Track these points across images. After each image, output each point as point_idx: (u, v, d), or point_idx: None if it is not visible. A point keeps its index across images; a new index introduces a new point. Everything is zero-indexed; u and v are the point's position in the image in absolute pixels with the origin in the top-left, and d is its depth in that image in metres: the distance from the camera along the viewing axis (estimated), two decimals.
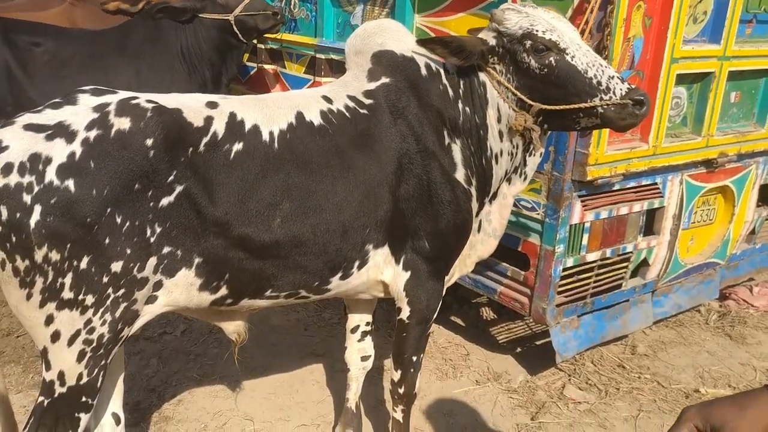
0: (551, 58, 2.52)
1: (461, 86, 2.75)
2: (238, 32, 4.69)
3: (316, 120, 2.55)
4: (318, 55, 4.79)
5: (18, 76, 4.33)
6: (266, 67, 5.34)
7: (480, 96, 2.74)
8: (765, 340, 4.72)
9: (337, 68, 4.73)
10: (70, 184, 2.05)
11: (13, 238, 2.05)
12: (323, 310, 4.70)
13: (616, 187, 3.71)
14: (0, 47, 4.28)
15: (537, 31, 2.53)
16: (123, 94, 2.29)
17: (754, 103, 4.38)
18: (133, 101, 2.24)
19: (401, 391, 2.97)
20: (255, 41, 5.12)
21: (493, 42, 2.64)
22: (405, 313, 2.84)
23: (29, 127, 2.11)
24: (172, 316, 4.34)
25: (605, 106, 2.49)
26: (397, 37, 2.84)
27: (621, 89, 2.49)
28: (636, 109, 2.49)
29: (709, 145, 4.02)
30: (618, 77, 2.52)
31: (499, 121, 2.74)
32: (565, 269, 3.67)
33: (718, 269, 4.68)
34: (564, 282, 3.72)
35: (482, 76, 2.72)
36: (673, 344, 4.57)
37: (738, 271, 4.95)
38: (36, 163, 2.05)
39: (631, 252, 3.96)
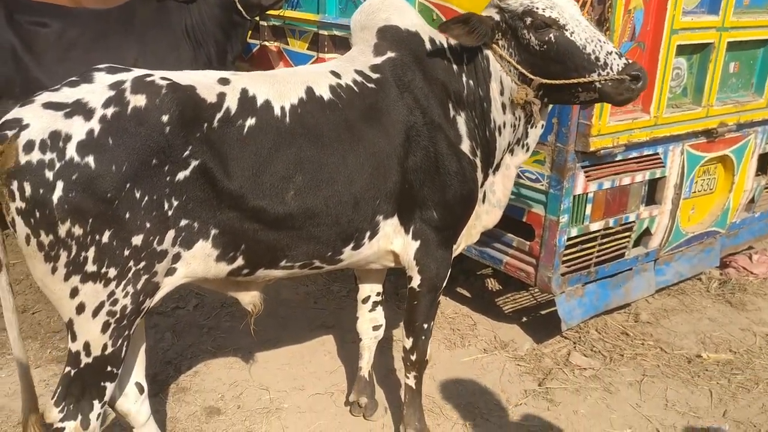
0: (551, 35, 2.58)
1: (465, 60, 2.82)
2: (241, 9, 4.71)
3: (326, 95, 2.61)
4: (321, 32, 4.82)
5: (24, 57, 4.36)
6: (269, 44, 5.38)
7: (483, 69, 2.80)
8: (764, 306, 4.81)
9: (341, 44, 4.77)
10: (90, 160, 2.12)
11: (37, 214, 2.11)
12: (332, 283, 4.79)
13: (619, 157, 3.77)
14: (5, 28, 4.31)
15: (537, 8, 2.59)
16: (138, 72, 2.34)
17: (752, 73, 4.42)
18: (148, 78, 2.30)
19: (413, 358, 3.06)
20: (258, 18, 5.14)
21: (497, 18, 2.69)
22: (416, 281, 2.92)
23: (48, 105, 2.17)
24: (184, 291, 4.43)
25: (603, 82, 2.55)
26: (401, 12, 2.89)
27: (618, 64, 2.54)
28: (633, 84, 2.54)
29: (709, 115, 4.07)
30: (616, 52, 2.57)
31: (501, 93, 2.80)
32: (569, 239, 3.74)
33: (718, 238, 4.76)
34: (568, 251, 3.80)
35: (485, 50, 2.78)
36: (675, 311, 4.66)
37: (738, 240, 5.02)
38: (56, 140, 2.11)
39: (634, 221, 4.03)
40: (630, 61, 2.56)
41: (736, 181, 4.56)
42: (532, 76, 2.68)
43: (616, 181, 3.80)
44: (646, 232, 4.20)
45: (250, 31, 5.28)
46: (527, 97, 2.72)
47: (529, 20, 2.60)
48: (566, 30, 2.58)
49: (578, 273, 3.91)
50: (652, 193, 4.12)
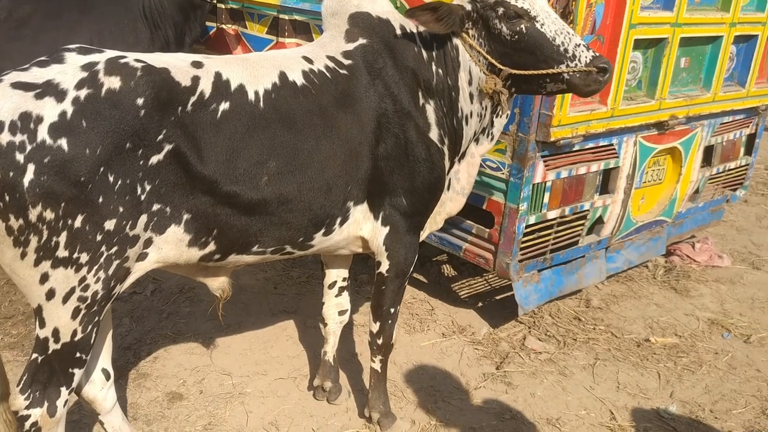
0: (522, 26, 2.64)
1: (434, 49, 2.85)
2: None
3: (299, 80, 2.61)
4: (281, 16, 4.78)
5: None
6: (226, 27, 5.31)
7: (452, 59, 2.84)
8: (706, 292, 5.02)
9: (301, 29, 4.75)
10: (63, 143, 2.07)
11: (7, 198, 2.06)
12: (291, 269, 4.79)
13: (576, 147, 3.88)
14: None
15: None
16: (111, 53, 2.30)
17: (701, 69, 4.58)
18: (122, 60, 2.26)
19: (380, 342, 3.11)
20: (216, 1, 5.07)
21: (468, 7, 2.73)
22: (384, 266, 2.96)
23: (17, 86, 2.11)
24: (141, 276, 4.36)
25: (571, 73, 2.63)
26: None
27: (586, 57, 2.63)
28: (599, 76, 2.63)
29: (662, 108, 4.21)
30: (583, 45, 2.66)
31: (470, 83, 2.85)
32: (527, 226, 3.83)
33: (665, 227, 4.94)
34: (526, 239, 3.89)
35: (455, 40, 2.82)
36: (624, 297, 4.83)
37: (683, 229, 5.22)
38: (27, 121, 2.06)
39: (588, 210, 4.15)
40: (597, 54, 2.64)
41: (683, 172, 4.73)
42: (501, 67, 2.73)
43: (573, 170, 3.90)
44: (599, 221, 4.33)
45: None
46: (496, 87, 2.77)
47: (501, 10, 2.64)
48: (537, 21, 2.64)
49: (535, 259, 4.01)
50: (606, 182, 4.24)
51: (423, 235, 3.19)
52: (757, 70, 4.82)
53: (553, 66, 2.65)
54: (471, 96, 2.88)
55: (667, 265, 5.36)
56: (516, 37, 2.66)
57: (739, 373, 4.00)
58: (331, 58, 2.75)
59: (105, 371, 2.75)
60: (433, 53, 2.85)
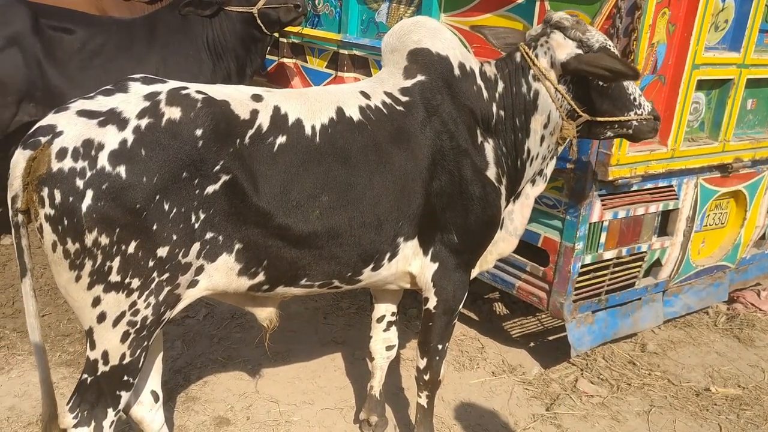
0: None
1: (499, 89, 2.84)
2: (261, 24, 4.77)
3: (356, 115, 2.63)
4: (341, 51, 4.86)
5: (47, 62, 4.39)
6: (286, 60, 5.42)
7: (527, 102, 2.82)
8: None
9: (360, 64, 4.81)
10: (122, 170, 2.13)
11: (65, 222, 2.13)
12: (341, 300, 4.79)
13: (634, 187, 3.79)
14: (31, 33, 4.34)
15: (610, 45, 2.72)
16: (173, 84, 2.36)
17: None
18: (183, 91, 2.32)
19: (426, 377, 3.07)
20: (277, 34, 5.19)
21: (578, 51, 2.71)
22: (432, 303, 2.93)
23: (82, 113, 2.19)
24: (190, 303, 4.43)
25: (639, 120, 2.78)
26: (434, 34, 2.88)
27: (647, 105, 2.79)
28: (656, 124, 2.81)
29: (725, 150, 4.09)
30: (642, 95, 2.79)
31: (545, 126, 2.84)
32: (582, 266, 3.75)
33: (727, 272, 4.77)
34: (581, 279, 3.81)
35: (535, 84, 2.79)
36: (682, 344, 4.67)
37: (747, 275, 5.03)
38: (89, 148, 2.12)
39: (646, 252, 4.05)
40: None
41: (747, 216, 4.58)
42: (581, 113, 2.78)
43: (631, 211, 3.82)
44: (657, 263, 4.21)
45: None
46: (573, 132, 2.80)
47: None
48: None
49: (589, 300, 3.92)
50: (665, 224, 4.14)
51: (473, 274, 3.15)
52: None
53: (625, 113, 2.78)
54: (542, 138, 2.88)
55: (730, 313, 5.16)
56: (608, 83, 2.73)
57: None
58: (389, 94, 2.76)
59: (154, 393, 2.79)
60: (496, 93, 2.85)
